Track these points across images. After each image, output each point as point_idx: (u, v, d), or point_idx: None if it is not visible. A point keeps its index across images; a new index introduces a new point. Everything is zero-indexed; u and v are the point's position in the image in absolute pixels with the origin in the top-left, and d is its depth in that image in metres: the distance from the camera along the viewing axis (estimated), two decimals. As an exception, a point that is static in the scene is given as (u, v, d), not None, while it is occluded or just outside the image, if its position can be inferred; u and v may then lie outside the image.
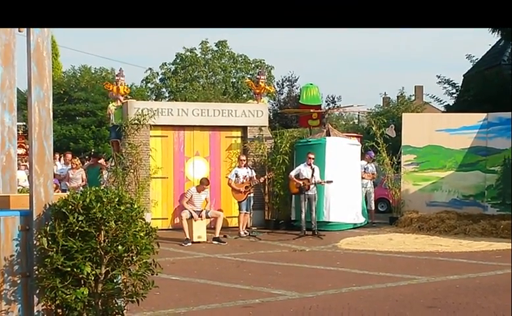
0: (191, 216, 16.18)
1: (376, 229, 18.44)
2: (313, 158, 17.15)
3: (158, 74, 54.79)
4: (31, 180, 5.79)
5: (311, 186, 17.04)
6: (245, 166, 17.41)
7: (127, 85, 19.49)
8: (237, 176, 17.24)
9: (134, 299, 5.83)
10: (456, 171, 18.92)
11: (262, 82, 20.46)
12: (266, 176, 18.23)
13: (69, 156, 21.00)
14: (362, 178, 19.63)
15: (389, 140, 21.17)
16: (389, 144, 20.88)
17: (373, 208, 20.23)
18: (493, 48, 30.68)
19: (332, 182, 17.27)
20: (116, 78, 19.43)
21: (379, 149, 19.94)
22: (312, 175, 17.00)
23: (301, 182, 17.08)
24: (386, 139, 20.98)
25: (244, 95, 48.03)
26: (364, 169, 19.92)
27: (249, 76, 52.30)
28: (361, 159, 20.05)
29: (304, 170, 17.19)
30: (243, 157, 17.72)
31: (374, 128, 20.27)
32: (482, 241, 15.83)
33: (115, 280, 5.78)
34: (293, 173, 17.44)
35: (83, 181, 18.91)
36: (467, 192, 18.82)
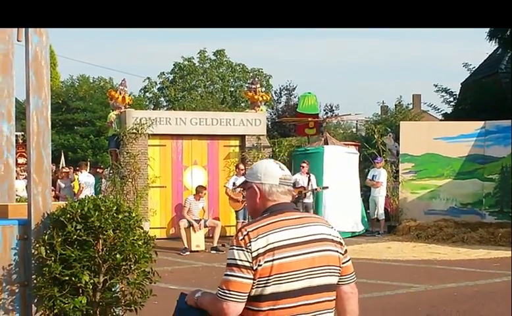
0: (189, 225, 16.20)
1: (374, 237, 18.44)
2: (306, 167, 17.17)
3: (156, 83, 54.83)
4: (29, 189, 5.80)
5: (308, 194, 17.05)
6: (243, 175, 17.43)
7: (130, 95, 19.49)
8: (234, 184, 17.27)
9: (132, 307, 5.83)
10: (454, 179, 18.94)
11: (258, 91, 20.58)
12: None
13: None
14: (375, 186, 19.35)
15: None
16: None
17: (380, 217, 19.55)
18: (490, 56, 30.76)
19: (327, 188, 17.29)
20: (120, 87, 19.44)
21: (383, 156, 19.93)
22: (309, 183, 17.02)
23: (295, 192, 17.09)
24: (385, 147, 21.03)
25: (242, 104, 48.06)
26: (373, 176, 19.55)
27: (246, 85, 52.33)
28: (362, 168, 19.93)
29: (300, 178, 17.21)
30: (242, 166, 17.73)
31: (376, 136, 20.27)
32: (480, 249, 15.86)
33: (113, 289, 5.78)
34: (289, 182, 17.41)
35: (72, 184, 18.92)
36: (465, 200, 18.84)
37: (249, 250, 3.34)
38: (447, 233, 17.45)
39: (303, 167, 17.20)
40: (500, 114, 20.26)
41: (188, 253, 15.81)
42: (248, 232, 3.39)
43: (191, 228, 16.19)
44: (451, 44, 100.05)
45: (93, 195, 6.04)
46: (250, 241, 3.36)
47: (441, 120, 30.07)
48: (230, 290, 3.35)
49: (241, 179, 17.31)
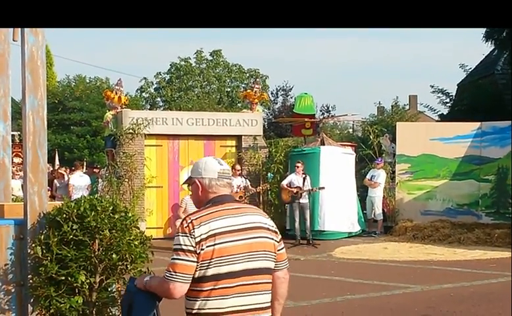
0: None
1: (371, 238, 18.44)
2: (301, 167, 17.17)
3: (152, 83, 54.82)
4: (25, 189, 5.79)
5: (303, 194, 17.02)
6: (239, 175, 17.42)
7: (126, 95, 19.51)
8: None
9: (128, 308, 5.81)
10: (450, 180, 18.94)
11: (257, 91, 20.68)
12: (261, 187, 18.26)
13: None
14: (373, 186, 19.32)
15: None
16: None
17: (377, 217, 19.41)
18: (487, 57, 30.78)
19: (323, 188, 17.29)
20: (116, 87, 19.47)
21: (382, 157, 19.92)
22: (304, 183, 17.01)
23: (293, 190, 17.09)
24: (381, 148, 21.02)
25: (239, 105, 48.05)
26: (372, 177, 19.48)
27: (243, 85, 52.31)
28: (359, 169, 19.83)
29: (295, 178, 17.20)
30: (238, 166, 17.73)
31: (371, 137, 20.26)
32: (477, 249, 15.85)
33: (109, 289, 5.77)
34: (284, 182, 17.43)
35: (68, 186, 19.09)
36: (461, 201, 18.84)
37: (192, 236, 3.72)
38: (443, 234, 17.44)
39: (298, 167, 17.21)
40: (496, 115, 20.27)
41: (184, 253, 15.78)
42: (192, 220, 3.79)
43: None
44: (448, 45, 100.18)
45: (85, 195, 6.02)
46: (194, 228, 3.73)
47: (437, 121, 30.09)
48: (176, 272, 3.73)
49: (238, 179, 17.35)
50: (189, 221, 3.79)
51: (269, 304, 3.95)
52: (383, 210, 19.68)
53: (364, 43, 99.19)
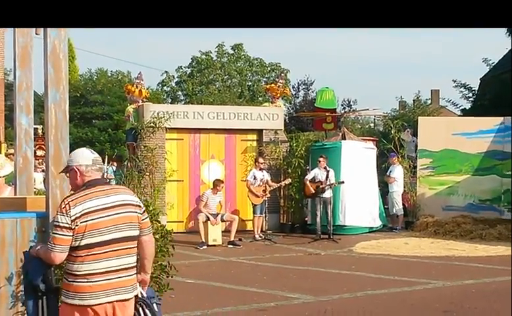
0: (207, 219, 16.21)
1: (392, 233, 18.36)
2: (323, 162, 17.10)
3: (174, 77, 54.90)
4: (47, 182, 5.81)
5: (326, 188, 16.96)
6: (260, 169, 17.38)
7: (147, 89, 19.54)
8: (254, 178, 17.21)
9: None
10: (472, 175, 18.79)
11: (280, 85, 20.69)
12: (284, 182, 18.21)
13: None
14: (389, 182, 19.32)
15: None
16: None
17: (397, 212, 19.41)
18: (510, 51, 30.50)
19: (343, 182, 17.27)
20: (136, 81, 19.51)
21: (401, 151, 19.82)
22: (327, 177, 16.96)
23: (313, 187, 17.03)
24: (402, 142, 20.91)
25: (260, 98, 48.01)
26: (390, 172, 19.49)
27: (264, 79, 52.25)
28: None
29: (319, 173, 17.15)
30: (261, 160, 17.67)
31: (392, 131, 20.18)
32: (499, 245, 15.72)
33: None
34: (308, 177, 17.38)
35: None
36: (483, 196, 18.68)
37: (68, 215, 4.59)
38: (465, 229, 17.31)
39: (320, 162, 17.15)
40: (520, 109, 20.07)
41: (205, 247, 15.82)
42: (69, 201, 4.64)
43: (208, 222, 16.20)
44: (471, 39, 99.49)
45: None
46: (70, 208, 4.60)
47: (459, 116, 29.89)
48: (55, 244, 4.61)
49: (260, 173, 17.32)
50: (66, 202, 4.63)
51: (134, 264, 4.79)
52: (404, 205, 19.57)
53: (386, 37, 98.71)
